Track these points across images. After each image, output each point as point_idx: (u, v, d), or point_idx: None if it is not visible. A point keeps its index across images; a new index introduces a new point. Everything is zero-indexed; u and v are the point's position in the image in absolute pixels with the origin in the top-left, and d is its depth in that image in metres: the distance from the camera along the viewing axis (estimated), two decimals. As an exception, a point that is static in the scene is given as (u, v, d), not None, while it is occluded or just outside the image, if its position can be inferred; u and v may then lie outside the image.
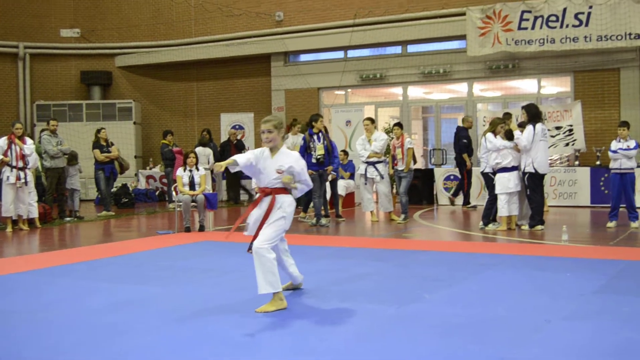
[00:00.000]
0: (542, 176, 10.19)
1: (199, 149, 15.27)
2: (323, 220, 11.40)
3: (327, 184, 12.14)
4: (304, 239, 9.87)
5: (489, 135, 10.42)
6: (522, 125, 10.43)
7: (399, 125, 12.21)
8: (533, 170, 9.99)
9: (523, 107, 10.50)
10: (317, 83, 18.94)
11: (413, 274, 6.61)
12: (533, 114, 10.20)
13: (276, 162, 5.39)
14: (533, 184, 10.07)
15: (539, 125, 10.08)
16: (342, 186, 14.74)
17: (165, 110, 21.23)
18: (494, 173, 10.44)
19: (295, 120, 15.64)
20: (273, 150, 5.44)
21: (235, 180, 16.79)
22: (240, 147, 16.85)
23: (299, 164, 5.42)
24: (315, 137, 11.41)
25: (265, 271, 5.10)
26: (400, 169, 11.86)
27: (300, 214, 12.25)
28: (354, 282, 6.21)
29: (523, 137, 9.99)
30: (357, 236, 10.30)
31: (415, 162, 12.42)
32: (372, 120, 12.11)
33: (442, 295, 5.58)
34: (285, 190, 5.40)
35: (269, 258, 5.12)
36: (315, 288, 5.92)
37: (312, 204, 12.29)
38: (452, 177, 15.49)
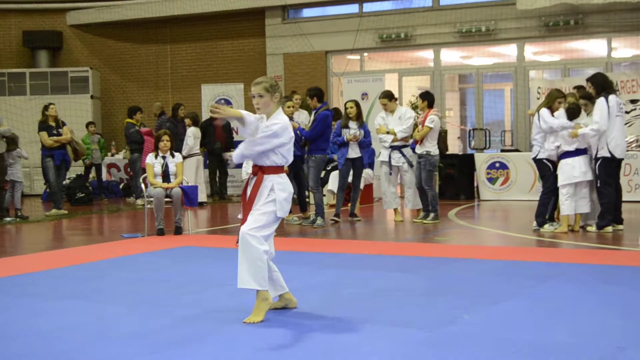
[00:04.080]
0: (619, 162, 10.15)
1: (192, 130, 15.19)
2: (318, 220, 11.43)
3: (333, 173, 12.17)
4: (309, 244, 9.87)
5: (544, 111, 10.37)
6: (585, 98, 10.38)
7: (423, 96, 12.00)
8: (608, 155, 9.94)
9: (588, 79, 10.44)
10: (324, 45, 18.91)
11: (448, 289, 6.60)
12: (601, 84, 10.14)
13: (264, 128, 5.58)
14: (606, 173, 10.02)
15: (612, 97, 10.01)
16: (362, 177, 14.70)
17: (131, 80, 21.25)
18: (551, 160, 10.40)
19: (294, 92, 15.59)
20: (267, 118, 5.63)
21: (223, 169, 16.76)
22: (227, 128, 16.81)
23: (270, 129, 5.46)
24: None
25: (251, 263, 5.31)
26: (418, 151, 11.78)
27: (289, 216, 12.05)
28: (373, 299, 6.19)
29: (594, 117, 9.88)
30: (376, 240, 10.28)
31: (446, 148, 12.24)
32: (391, 96, 11.98)
33: (485, 316, 5.57)
34: (278, 169, 5.56)
35: (257, 248, 5.32)
36: (324, 306, 5.90)
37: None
38: (497, 164, 15.46)
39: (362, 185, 14.64)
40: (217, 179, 16.89)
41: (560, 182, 10.22)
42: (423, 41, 18.13)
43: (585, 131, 9.98)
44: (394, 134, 11.70)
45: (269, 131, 5.47)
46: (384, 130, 11.79)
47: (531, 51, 17.95)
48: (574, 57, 17.76)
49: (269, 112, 5.59)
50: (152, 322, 5.50)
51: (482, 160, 15.71)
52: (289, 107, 11.96)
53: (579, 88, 12.05)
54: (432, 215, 11.79)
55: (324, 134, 11.61)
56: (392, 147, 11.84)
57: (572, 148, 10.13)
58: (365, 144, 12.25)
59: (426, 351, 4.71)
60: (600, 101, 9.97)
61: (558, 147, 10.22)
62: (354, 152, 12.04)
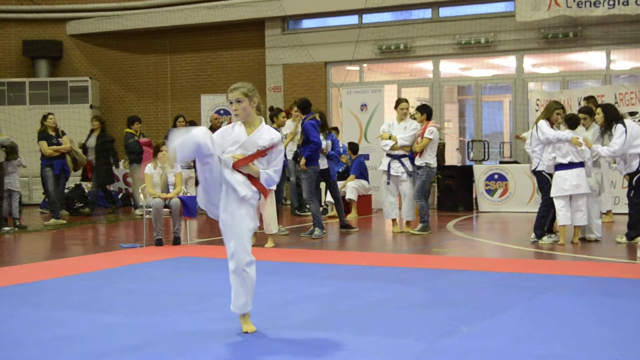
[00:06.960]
0: None
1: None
2: (316, 231, 11.43)
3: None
4: (308, 255, 9.87)
5: (542, 122, 10.45)
6: (585, 112, 10.70)
7: (421, 109, 12.16)
8: None
9: (599, 106, 10.71)
10: (323, 56, 18.94)
11: (446, 300, 6.61)
12: (614, 116, 10.42)
13: (257, 138, 5.43)
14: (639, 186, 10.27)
15: (628, 121, 10.29)
16: (352, 187, 14.72)
17: (131, 90, 21.27)
18: (550, 172, 10.46)
19: (295, 103, 15.67)
20: (248, 125, 5.50)
21: None
22: None
23: (280, 145, 5.55)
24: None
25: (250, 289, 5.39)
26: (417, 163, 11.83)
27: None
28: (371, 310, 6.20)
29: (615, 141, 10.09)
30: (373, 251, 10.29)
31: (444, 161, 12.28)
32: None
33: (483, 328, 5.58)
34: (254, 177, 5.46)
35: (254, 276, 5.40)
36: (321, 318, 5.91)
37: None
38: (496, 176, 15.47)
39: (355, 197, 14.66)
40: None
41: (552, 194, 10.31)
42: (422, 52, 18.14)
43: (602, 150, 10.24)
44: (395, 140, 11.74)
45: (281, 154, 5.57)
46: (387, 136, 11.83)
47: (530, 63, 17.96)
48: (572, 69, 17.78)
49: (249, 119, 5.48)
50: (150, 332, 5.51)
51: (480, 172, 15.70)
52: (282, 117, 12.06)
53: (589, 99, 12.19)
54: (420, 225, 11.80)
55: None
56: (392, 157, 11.85)
57: (565, 160, 10.17)
58: (333, 156, 12.32)
59: (424, 363, 4.73)
60: (619, 127, 10.18)
61: (554, 158, 10.27)
62: (322, 164, 12.03)
